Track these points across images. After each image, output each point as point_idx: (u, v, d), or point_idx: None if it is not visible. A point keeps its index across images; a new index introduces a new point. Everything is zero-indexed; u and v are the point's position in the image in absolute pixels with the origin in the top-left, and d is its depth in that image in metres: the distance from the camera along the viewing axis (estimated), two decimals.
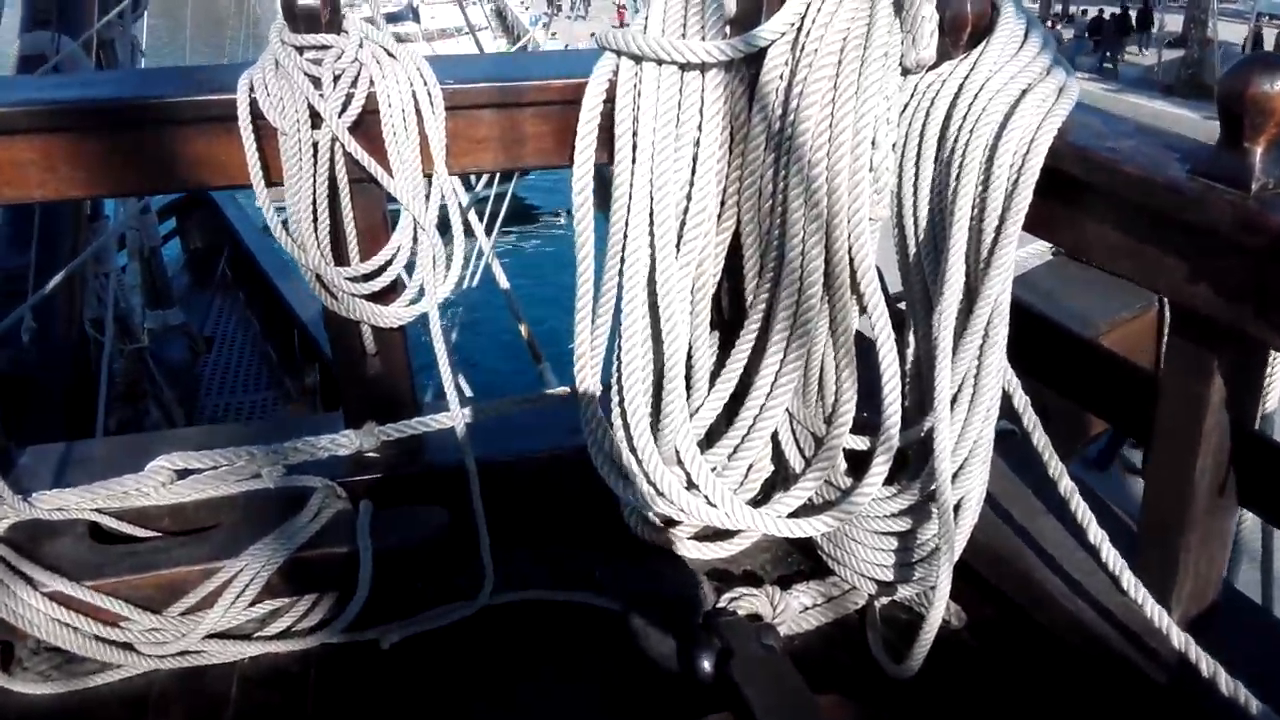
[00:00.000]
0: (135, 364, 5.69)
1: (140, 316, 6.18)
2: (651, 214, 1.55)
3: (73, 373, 4.66)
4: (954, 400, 1.47)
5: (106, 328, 4.89)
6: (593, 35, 1.63)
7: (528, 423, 1.97)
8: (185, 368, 6.52)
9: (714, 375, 1.67)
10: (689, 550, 1.84)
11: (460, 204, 1.77)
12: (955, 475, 1.50)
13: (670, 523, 1.81)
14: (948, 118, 1.42)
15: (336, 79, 1.59)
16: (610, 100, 1.58)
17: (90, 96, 1.58)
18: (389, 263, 1.72)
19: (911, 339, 1.59)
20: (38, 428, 4.06)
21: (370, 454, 1.80)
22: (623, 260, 1.58)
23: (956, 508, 1.52)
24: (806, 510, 1.62)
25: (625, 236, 1.57)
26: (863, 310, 1.53)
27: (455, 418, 1.72)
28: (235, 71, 1.63)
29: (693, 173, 1.56)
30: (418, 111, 1.63)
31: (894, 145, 1.50)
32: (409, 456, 1.87)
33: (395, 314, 1.74)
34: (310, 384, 6.60)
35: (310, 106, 1.57)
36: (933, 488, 1.50)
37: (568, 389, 1.83)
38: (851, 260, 1.50)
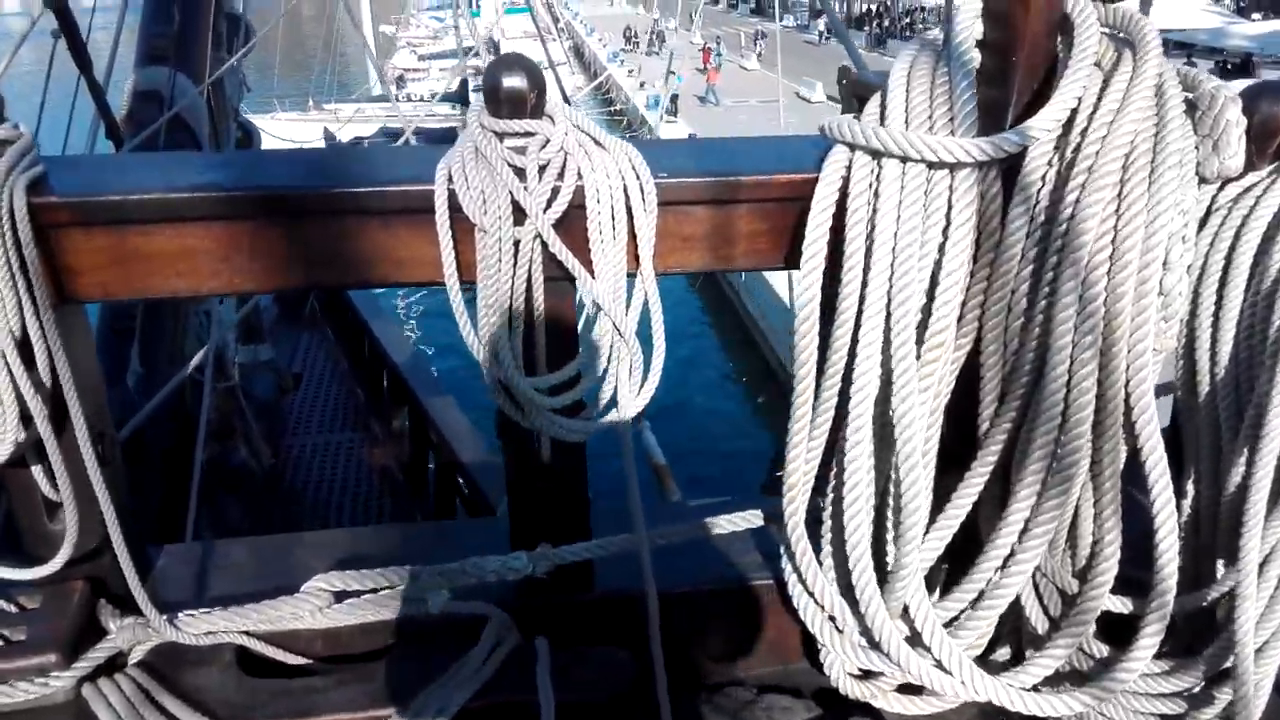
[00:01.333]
0: (227, 401, 5.65)
1: (233, 352, 6.17)
2: (888, 329, 1.36)
3: (174, 418, 4.60)
4: (1263, 564, 1.24)
5: (206, 368, 4.85)
6: (821, 128, 1.45)
7: (715, 549, 1.77)
8: (273, 405, 6.49)
9: (932, 513, 1.46)
10: (891, 704, 1.62)
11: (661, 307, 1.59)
12: (1258, 652, 1.27)
13: (873, 672, 1.60)
14: (1269, 240, 1.21)
15: (542, 170, 1.44)
16: (840, 198, 1.39)
17: (272, 184, 1.43)
18: (583, 373, 1.55)
19: (1191, 487, 1.37)
20: (141, 479, 3.98)
21: (540, 577, 1.62)
22: (847, 379, 1.38)
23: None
24: (1054, 681, 1.40)
25: (853, 353, 1.38)
26: (1135, 452, 1.31)
27: (638, 541, 1.54)
28: (424, 158, 1.48)
29: (934, 283, 1.36)
30: (628, 207, 1.47)
31: (1189, 267, 1.29)
32: (583, 582, 1.68)
33: (582, 428, 1.57)
34: (398, 428, 6.52)
35: (514, 200, 1.41)
36: (1225, 665, 1.27)
37: (760, 516, 1.63)
38: (1128, 396, 1.28)
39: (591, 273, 1.48)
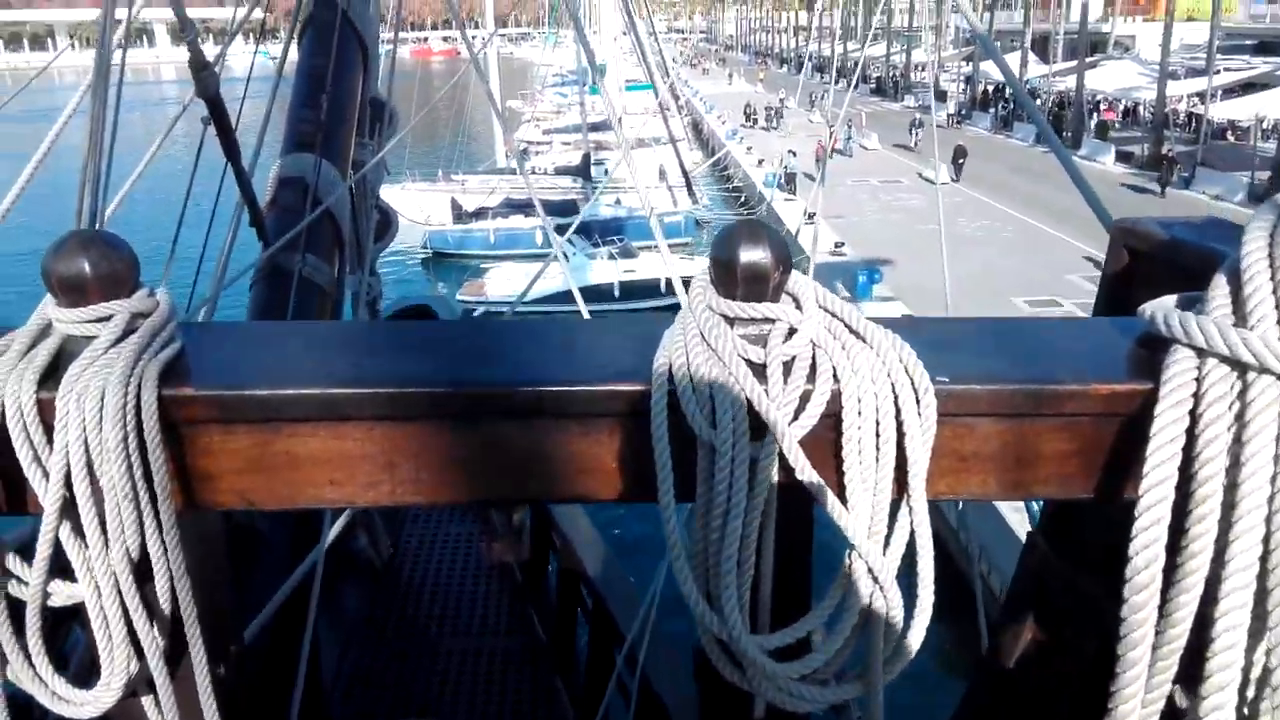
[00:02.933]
0: None
1: None
2: (1264, 574, 1.02)
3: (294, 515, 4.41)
4: None
5: None
6: (1151, 316, 1.09)
7: None
8: None
9: None
10: None
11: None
12: None
13: None
14: None
15: (787, 369, 1.11)
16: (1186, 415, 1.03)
17: (449, 378, 1.12)
18: (826, 626, 1.16)
19: None
20: (264, 579, 3.78)
21: None
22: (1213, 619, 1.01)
23: None
24: None
25: (1208, 614, 1.03)
26: None
27: None
28: (632, 337, 1.16)
29: None
30: (896, 419, 1.11)
31: None
32: None
33: (817, 697, 1.18)
34: (518, 522, 6.25)
35: (751, 408, 1.08)
36: None
37: None
38: None
39: (845, 501, 1.12)
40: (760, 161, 38.68)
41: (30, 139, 5.55)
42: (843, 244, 23.67)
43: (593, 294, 18.03)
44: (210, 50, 3.90)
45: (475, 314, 24.26)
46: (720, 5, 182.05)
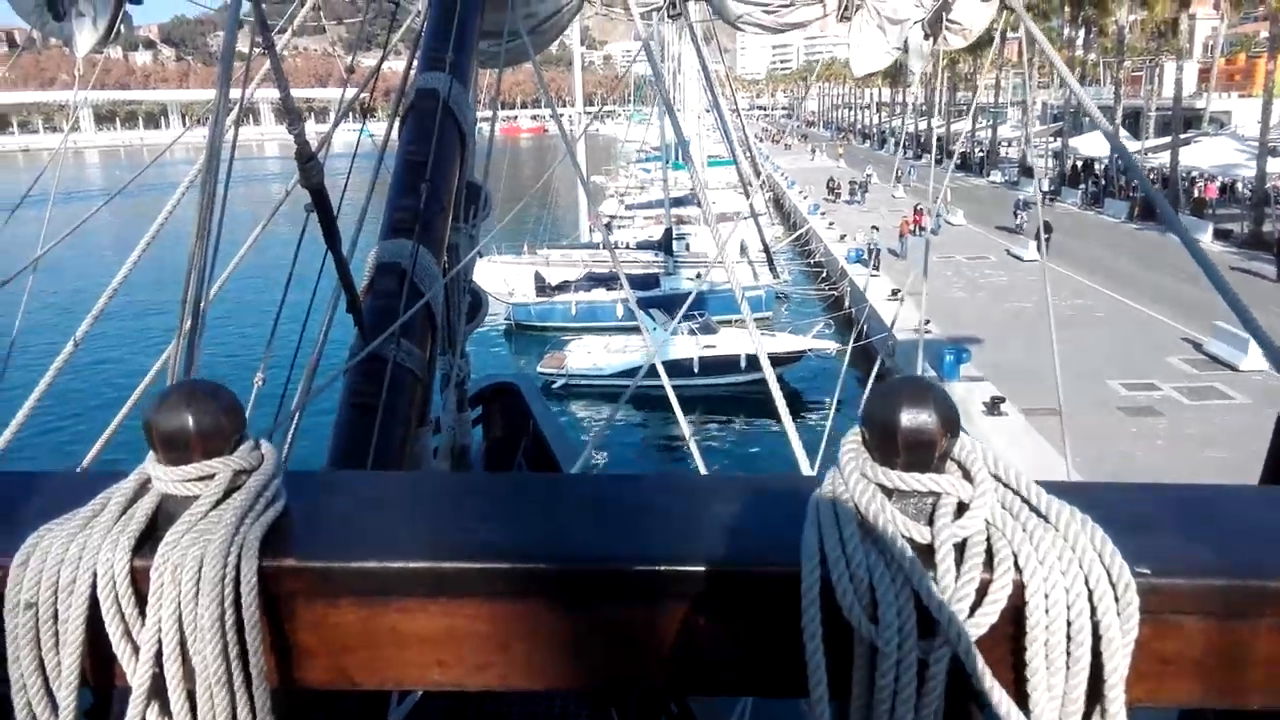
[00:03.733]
0: None
1: None
2: None
3: None
4: None
5: None
6: None
7: None
8: None
9: None
10: None
11: None
12: None
13: None
14: None
15: (959, 554, 0.95)
16: None
17: (574, 553, 1.02)
18: None
19: None
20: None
21: None
22: None
23: None
24: None
25: None
26: None
27: None
28: (771, 510, 1.05)
29: None
30: (1091, 617, 0.94)
31: None
32: None
33: None
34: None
35: (919, 602, 0.93)
36: None
37: None
38: None
39: (1028, 711, 0.94)
40: (842, 236, 38.51)
41: (144, 210, 5.84)
42: (929, 321, 23.31)
43: (672, 369, 17.90)
44: (311, 128, 3.99)
45: (555, 385, 24.42)
46: (802, 82, 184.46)
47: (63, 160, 7.63)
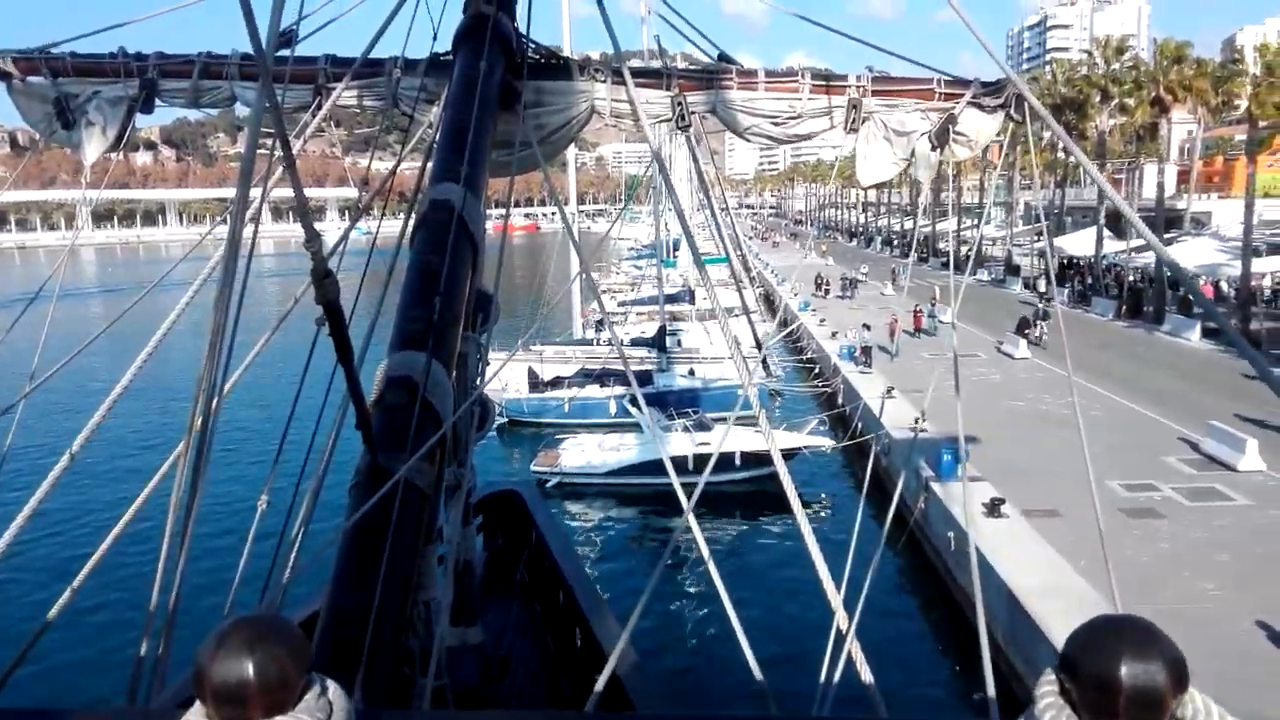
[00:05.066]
0: (435, 700, 5.16)
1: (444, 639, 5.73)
2: None
3: None
4: None
5: (424, 664, 4.39)
6: None
7: None
8: (475, 695, 5.94)
9: None
10: None
11: None
12: None
13: None
14: None
15: None
16: None
17: None
18: None
19: None
20: None
21: None
22: None
23: None
24: None
25: None
26: None
27: None
28: None
29: None
30: None
31: None
32: None
33: None
34: None
35: None
36: None
37: None
38: None
39: None
40: (834, 334, 38.72)
41: (143, 310, 5.74)
42: (921, 418, 23.28)
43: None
44: (293, 229, 3.94)
45: (549, 484, 24.10)
46: (790, 183, 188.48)
47: (51, 258, 7.62)
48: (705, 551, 5.33)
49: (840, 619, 4.59)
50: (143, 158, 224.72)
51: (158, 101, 6.47)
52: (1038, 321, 36.85)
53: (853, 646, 4.48)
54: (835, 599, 4.68)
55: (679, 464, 21.96)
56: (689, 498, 4.99)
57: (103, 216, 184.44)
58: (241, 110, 6.74)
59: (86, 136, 6.32)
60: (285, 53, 6.06)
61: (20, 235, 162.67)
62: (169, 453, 4.25)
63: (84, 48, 6.39)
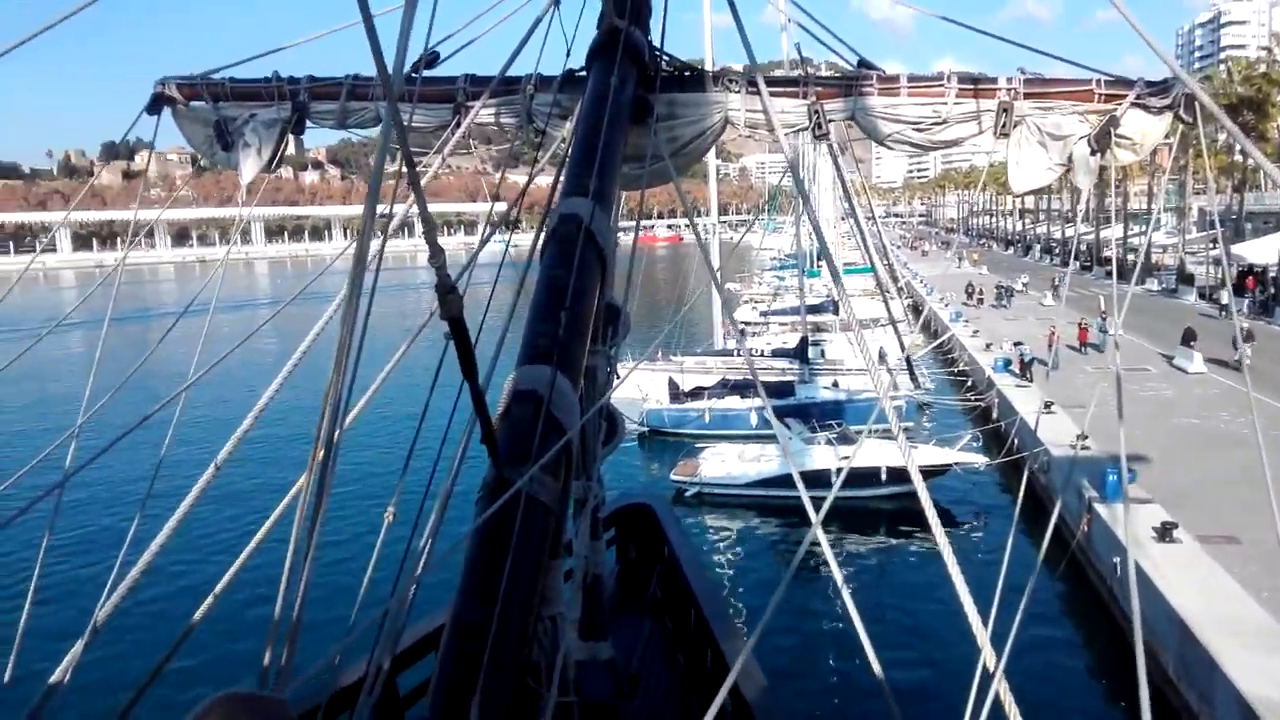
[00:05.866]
0: (560, 715, 5.13)
1: (572, 653, 5.71)
2: None
3: None
4: None
5: (550, 682, 4.38)
6: None
7: None
8: (605, 711, 5.88)
9: None
10: None
11: None
12: None
13: None
14: None
15: None
16: None
17: None
18: None
19: None
20: None
21: None
22: None
23: None
24: None
25: None
26: None
27: None
28: None
29: None
30: None
31: None
32: None
33: None
34: None
35: None
36: None
37: None
38: None
39: None
40: (988, 345, 37.18)
41: (304, 317, 6.01)
42: (1085, 436, 21.90)
43: (809, 480, 17.07)
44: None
45: (688, 494, 24.01)
46: (940, 191, 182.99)
47: (229, 270, 8.05)
48: (834, 567, 5.15)
49: (987, 656, 4.29)
50: (310, 176, 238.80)
51: (308, 123, 6.75)
52: (1242, 343, 33.01)
53: (1000, 687, 4.17)
54: (982, 634, 4.38)
55: (822, 477, 21.37)
56: (818, 511, 4.80)
57: (274, 232, 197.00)
58: None
59: (243, 157, 6.66)
60: (427, 73, 6.22)
61: (200, 249, 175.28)
62: (299, 466, 4.37)
63: (241, 74, 6.74)
